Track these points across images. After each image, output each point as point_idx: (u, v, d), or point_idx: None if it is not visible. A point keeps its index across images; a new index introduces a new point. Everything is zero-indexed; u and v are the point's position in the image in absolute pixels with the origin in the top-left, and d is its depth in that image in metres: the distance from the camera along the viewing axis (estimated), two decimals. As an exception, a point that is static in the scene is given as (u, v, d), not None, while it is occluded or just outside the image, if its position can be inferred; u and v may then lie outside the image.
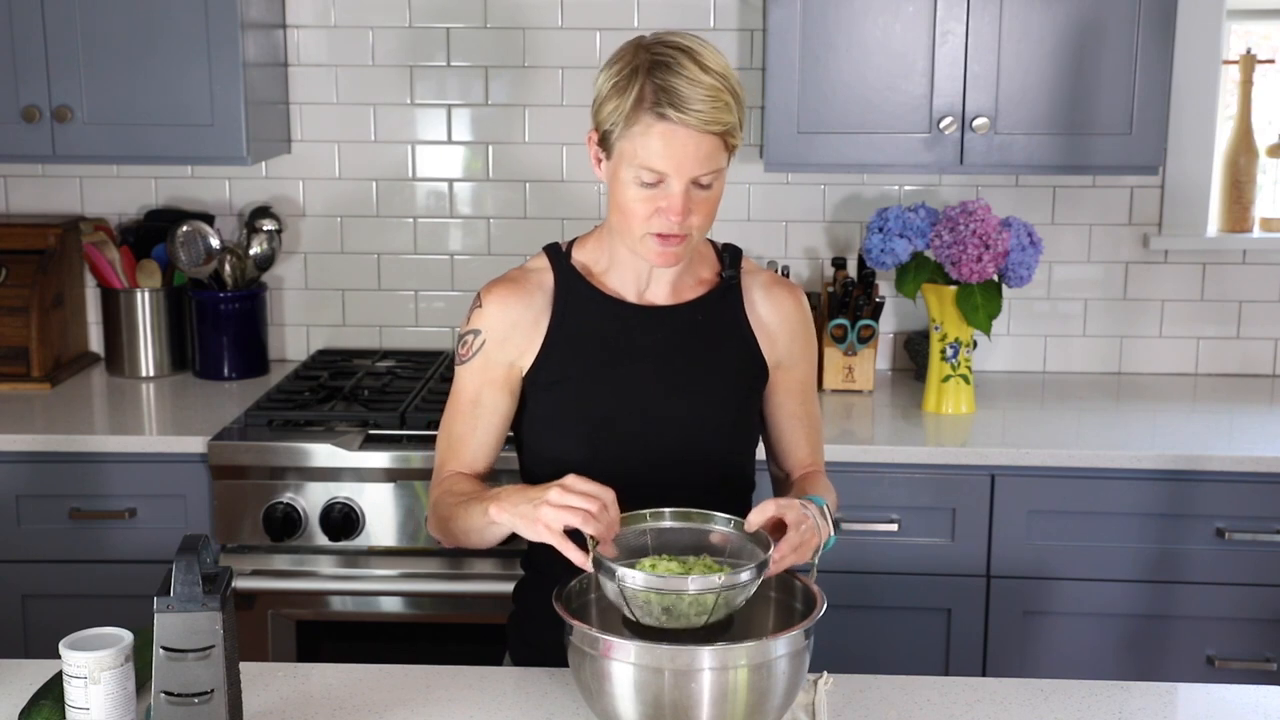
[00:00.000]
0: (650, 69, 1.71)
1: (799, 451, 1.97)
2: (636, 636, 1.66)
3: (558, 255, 1.91)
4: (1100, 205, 3.27)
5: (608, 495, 1.61)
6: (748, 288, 1.93)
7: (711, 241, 1.96)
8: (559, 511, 1.60)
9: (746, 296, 1.92)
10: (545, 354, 1.86)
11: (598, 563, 1.58)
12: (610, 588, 1.59)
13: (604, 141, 1.78)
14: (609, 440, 1.82)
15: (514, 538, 1.89)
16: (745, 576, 1.56)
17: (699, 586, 1.54)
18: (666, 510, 1.70)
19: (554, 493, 1.61)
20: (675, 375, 1.87)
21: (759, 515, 1.65)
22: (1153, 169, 2.94)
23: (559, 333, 1.86)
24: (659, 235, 1.76)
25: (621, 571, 1.56)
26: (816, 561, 1.70)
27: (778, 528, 1.65)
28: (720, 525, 1.69)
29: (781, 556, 1.62)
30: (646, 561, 1.64)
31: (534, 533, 1.63)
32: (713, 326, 1.89)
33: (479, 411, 1.88)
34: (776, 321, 1.93)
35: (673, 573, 1.60)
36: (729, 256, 1.94)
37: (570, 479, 1.63)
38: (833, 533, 1.73)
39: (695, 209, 1.75)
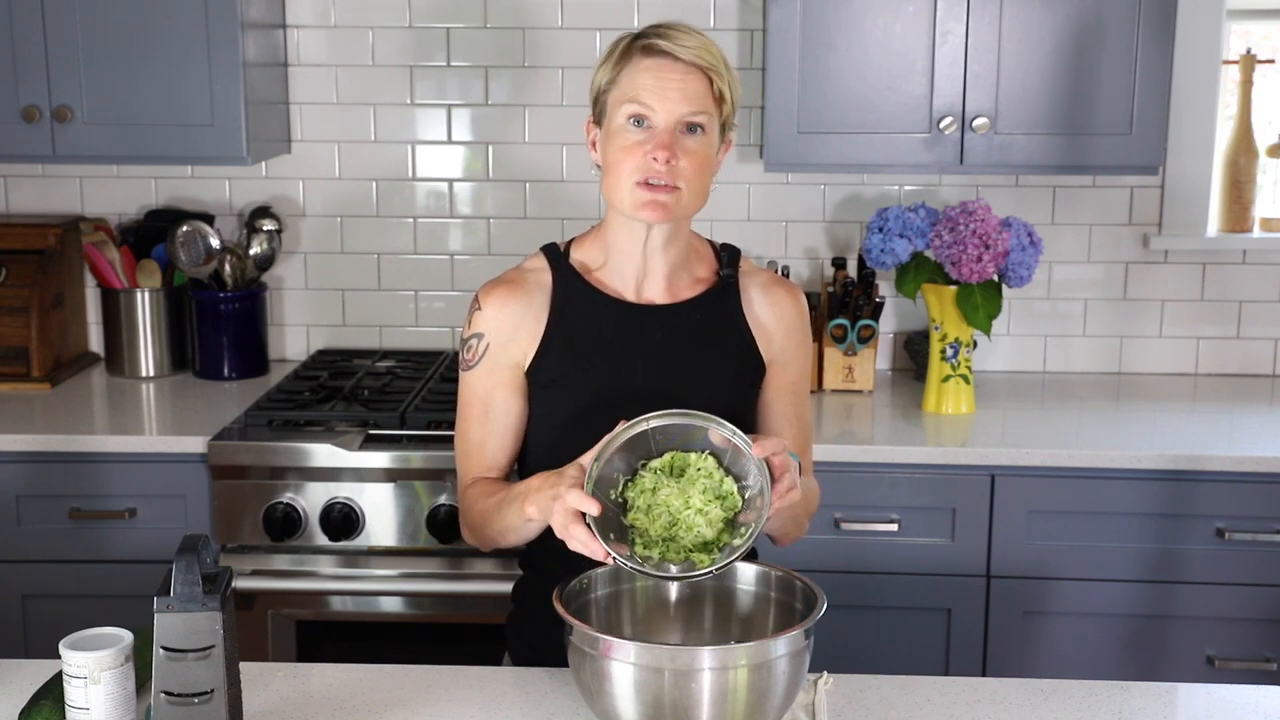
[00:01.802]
0: (640, 33, 1.82)
1: None
2: (636, 636, 1.67)
3: (556, 255, 1.92)
4: (1100, 205, 3.27)
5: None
6: (745, 287, 1.93)
7: (710, 242, 1.97)
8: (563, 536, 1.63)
9: (744, 295, 1.93)
10: (543, 352, 1.87)
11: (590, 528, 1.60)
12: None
13: (597, 107, 1.84)
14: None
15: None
16: (738, 551, 1.59)
17: (694, 572, 1.58)
18: (665, 411, 1.67)
19: (558, 526, 1.63)
20: (673, 373, 1.87)
21: (767, 449, 1.63)
22: (1153, 169, 2.94)
23: (557, 331, 1.87)
24: (647, 185, 1.77)
25: (619, 558, 1.58)
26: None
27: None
28: (727, 433, 1.66)
29: (781, 495, 1.62)
30: (648, 480, 1.64)
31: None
32: (710, 325, 1.90)
33: (491, 415, 1.89)
34: (774, 320, 1.93)
35: (670, 505, 1.62)
36: (727, 256, 1.95)
37: (560, 505, 1.62)
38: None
39: (683, 155, 1.77)
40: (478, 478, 1.91)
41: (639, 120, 1.78)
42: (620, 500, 1.66)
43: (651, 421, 1.66)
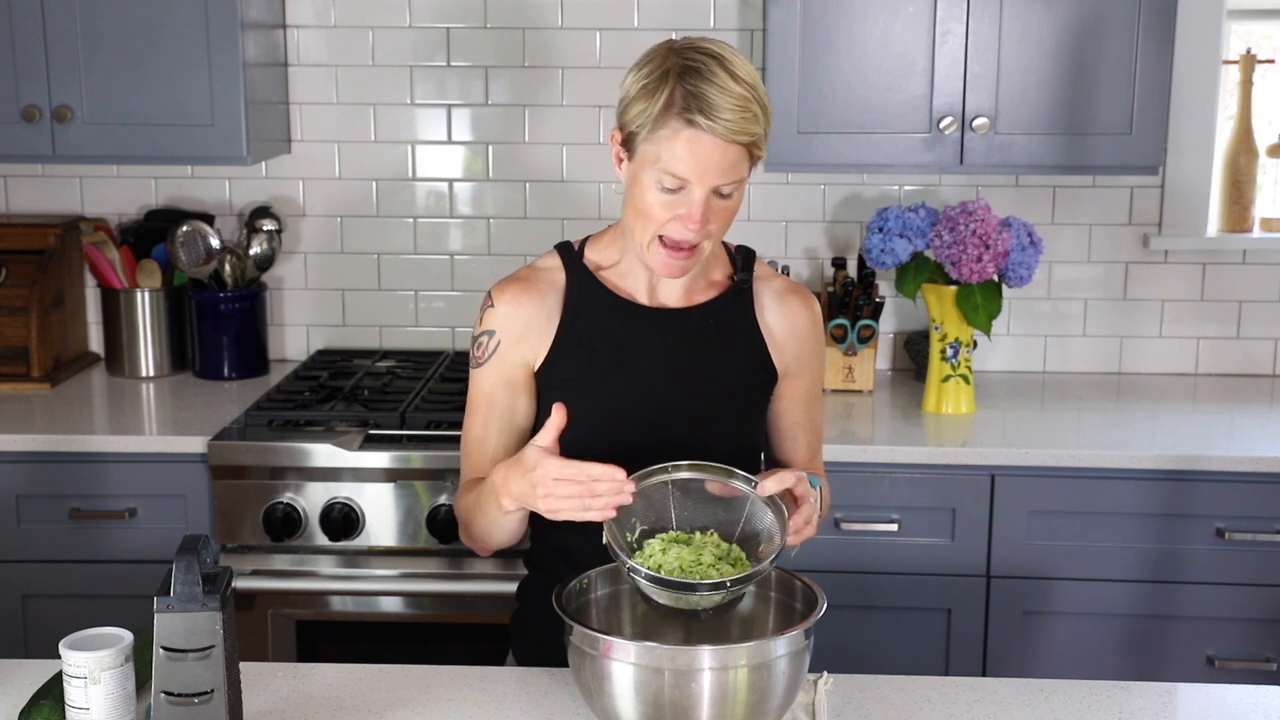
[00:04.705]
0: (681, 74, 1.70)
1: (797, 456, 1.98)
2: (636, 636, 1.67)
3: (570, 254, 1.91)
4: (1100, 205, 3.27)
5: (594, 470, 1.60)
6: (759, 292, 1.92)
7: (725, 243, 1.96)
8: (559, 509, 1.63)
9: (757, 301, 1.92)
10: (555, 353, 1.86)
11: (610, 547, 1.60)
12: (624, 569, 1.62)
13: (628, 142, 1.76)
14: (616, 441, 1.81)
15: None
16: (751, 573, 1.59)
17: (705, 590, 1.57)
18: (684, 463, 1.68)
19: (541, 491, 1.63)
20: (684, 377, 1.86)
21: (776, 485, 1.64)
22: (1153, 169, 2.94)
23: (569, 332, 1.86)
24: (669, 246, 1.76)
25: (631, 565, 1.58)
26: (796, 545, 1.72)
27: (785, 495, 1.67)
28: (740, 483, 1.68)
29: (796, 530, 1.64)
30: (656, 545, 1.65)
31: (550, 518, 1.66)
32: (723, 330, 1.89)
33: (496, 413, 1.88)
34: (786, 329, 1.92)
35: (683, 561, 1.62)
36: (742, 259, 1.93)
37: (540, 474, 1.63)
38: (818, 513, 1.73)
39: (713, 218, 1.75)
40: (471, 479, 1.91)
41: (673, 181, 1.73)
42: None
43: (671, 473, 1.67)
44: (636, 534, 1.68)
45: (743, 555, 1.66)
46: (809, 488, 1.67)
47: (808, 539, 1.68)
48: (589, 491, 1.60)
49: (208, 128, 2.94)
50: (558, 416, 1.67)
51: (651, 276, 1.87)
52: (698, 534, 1.68)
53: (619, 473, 1.60)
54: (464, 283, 3.34)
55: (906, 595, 2.76)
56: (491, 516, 1.78)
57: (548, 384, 1.87)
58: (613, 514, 1.62)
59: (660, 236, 1.76)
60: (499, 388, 1.87)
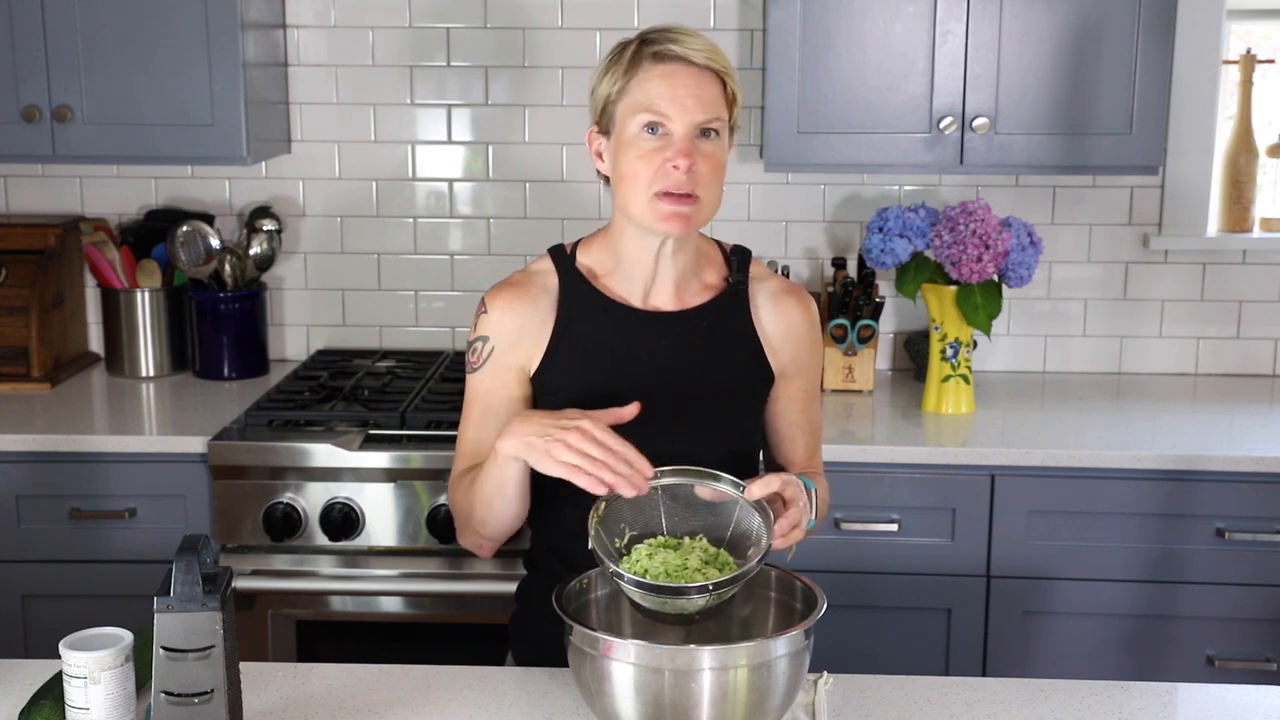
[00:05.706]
0: (642, 38, 1.79)
1: (796, 455, 1.98)
2: (636, 636, 1.67)
3: (562, 258, 1.90)
4: (1100, 205, 3.27)
5: (630, 453, 1.61)
6: (754, 294, 1.91)
7: (720, 244, 1.95)
8: (569, 459, 1.62)
9: (752, 303, 1.91)
10: (549, 358, 1.86)
11: (595, 553, 1.59)
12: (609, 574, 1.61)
13: (604, 117, 1.80)
14: None
15: (520, 535, 1.90)
16: (736, 575, 1.58)
17: (689, 594, 1.56)
18: (669, 469, 1.68)
19: (574, 435, 1.62)
20: (679, 382, 1.86)
21: (762, 489, 1.65)
22: (1153, 169, 2.94)
23: (563, 337, 1.86)
24: (667, 195, 1.75)
25: (615, 570, 1.58)
26: (794, 547, 1.71)
27: (774, 498, 1.67)
28: (727, 486, 1.68)
29: (783, 534, 1.63)
30: (643, 550, 1.65)
31: (543, 465, 1.64)
32: (718, 333, 1.88)
33: (491, 418, 1.87)
34: (782, 331, 1.91)
35: (669, 565, 1.61)
36: (737, 260, 1.93)
37: (590, 424, 1.62)
38: (813, 517, 1.73)
39: (701, 161, 1.75)
40: (465, 468, 1.89)
41: (653, 128, 1.75)
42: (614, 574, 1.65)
43: (659, 479, 1.66)
44: (626, 539, 1.67)
45: (730, 560, 1.65)
46: (799, 490, 1.67)
47: (801, 541, 1.68)
48: (609, 457, 1.60)
49: (208, 128, 2.94)
50: (631, 410, 1.68)
51: (645, 279, 1.86)
52: (686, 539, 1.68)
53: (648, 470, 1.61)
54: (464, 283, 3.34)
55: (906, 595, 2.76)
56: (488, 473, 1.75)
57: (542, 387, 1.87)
58: (602, 490, 1.60)
59: (656, 193, 1.76)
60: (494, 392, 1.87)
